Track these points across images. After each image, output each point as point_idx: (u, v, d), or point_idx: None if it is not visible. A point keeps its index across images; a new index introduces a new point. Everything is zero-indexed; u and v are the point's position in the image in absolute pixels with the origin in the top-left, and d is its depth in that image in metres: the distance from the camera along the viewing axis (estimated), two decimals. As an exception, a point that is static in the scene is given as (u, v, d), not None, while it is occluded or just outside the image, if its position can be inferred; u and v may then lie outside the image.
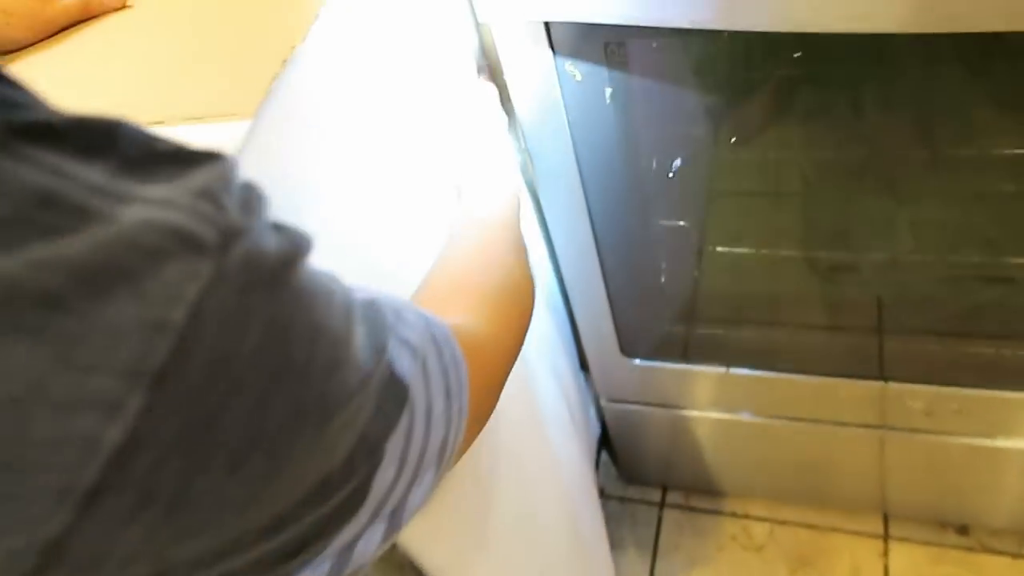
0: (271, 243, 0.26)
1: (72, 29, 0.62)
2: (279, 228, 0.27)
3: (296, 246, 0.28)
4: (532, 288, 0.55)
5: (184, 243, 0.22)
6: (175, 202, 0.23)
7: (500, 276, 0.53)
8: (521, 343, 0.51)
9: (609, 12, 0.61)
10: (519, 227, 0.62)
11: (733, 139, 0.73)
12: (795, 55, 0.64)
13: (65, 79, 0.56)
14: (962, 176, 0.86)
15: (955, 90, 0.74)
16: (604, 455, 1.31)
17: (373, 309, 0.34)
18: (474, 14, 0.65)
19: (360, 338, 0.31)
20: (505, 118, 0.76)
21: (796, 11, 0.54)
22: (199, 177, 0.24)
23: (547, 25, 0.66)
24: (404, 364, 0.34)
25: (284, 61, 0.51)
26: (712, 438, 1.11)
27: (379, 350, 0.33)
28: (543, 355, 0.95)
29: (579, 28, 0.65)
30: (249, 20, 0.58)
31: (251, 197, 0.27)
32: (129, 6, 0.65)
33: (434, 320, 0.40)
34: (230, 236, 0.24)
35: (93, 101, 0.51)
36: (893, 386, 0.90)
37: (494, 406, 0.47)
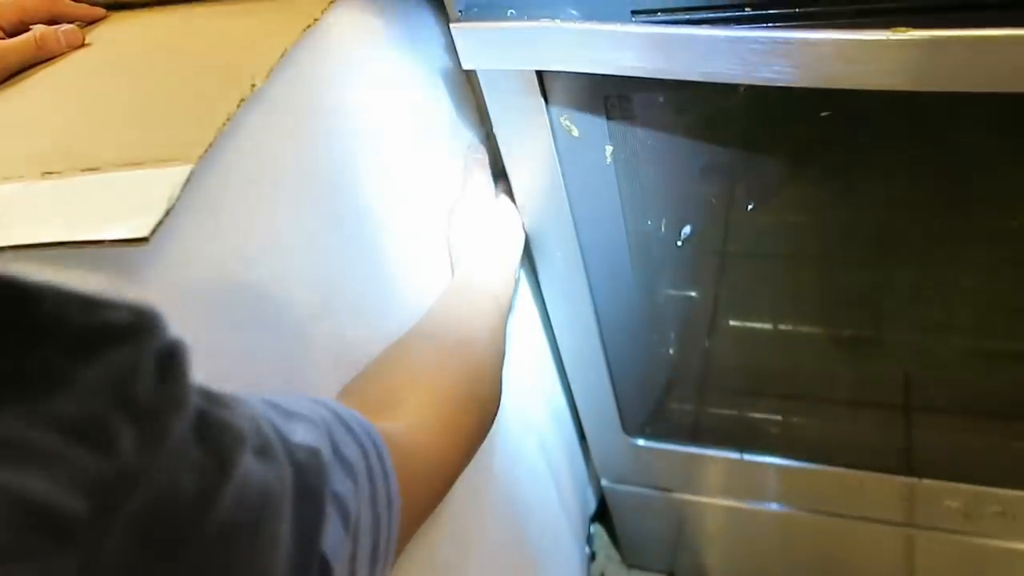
0: (187, 469, 0.19)
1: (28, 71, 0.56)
2: (210, 418, 0.20)
3: (229, 450, 0.20)
4: (497, 403, 0.51)
5: (39, 530, 0.15)
6: (37, 450, 0.15)
7: (468, 383, 0.47)
8: (470, 459, 0.45)
9: (610, 62, 0.53)
10: (504, 321, 0.58)
11: (750, 205, 0.65)
12: (822, 114, 0.56)
13: (6, 121, 0.50)
14: (999, 243, 0.77)
15: (994, 153, 0.65)
16: (604, 536, 1.20)
17: (311, 476, 0.29)
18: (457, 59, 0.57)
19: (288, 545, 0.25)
20: (490, 183, 0.69)
21: (827, 65, 0.46)
22: (91, 381, 0.17)
23: (539, 74, 0.58)
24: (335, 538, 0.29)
25: (241, 100, 0.43)
26: (723, 526, 1.01)
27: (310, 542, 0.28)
28: (530, 429, 0.85)
29: (576, 79, 0.58)
30: (213, 57, 0.52)
31: (173, 379, 0.20)
32: (87, 44, 0.59)
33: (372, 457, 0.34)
34: (116, 492, 0.17)
35: (32, 145, 0.45)
36: (926, 483, 0.80)
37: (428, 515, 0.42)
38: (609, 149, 0.62)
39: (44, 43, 0.55)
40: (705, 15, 0.51)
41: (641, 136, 0.62)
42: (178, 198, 0.37)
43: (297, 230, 0.46)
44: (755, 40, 0.47)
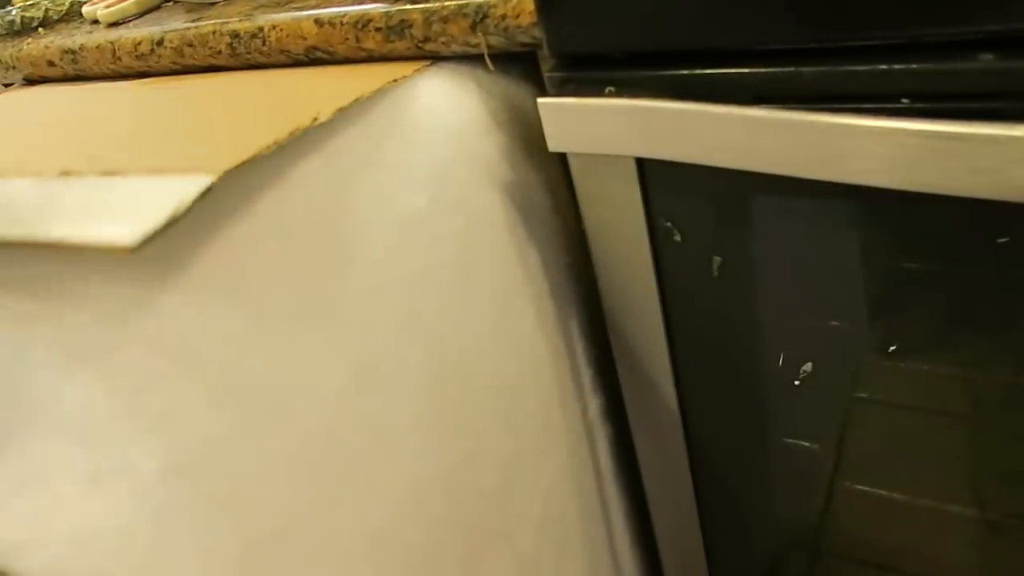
0: None
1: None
2: None
3: None
4: None
5: None
6: None
7: None
8: None
9: (729, 152, 0.44)
10: None
11: (892, 347, 0.52)
12: (999, 240, 0.43)
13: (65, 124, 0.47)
14: None
15: None
16: None
17: None
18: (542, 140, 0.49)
19: None
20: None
21: (1016, 171, 0.35)
22: None
23: (639, 163, 0.49)
24: None
25: (296, 129, 0.39)
26: None
27: None
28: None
29: (683, 171, 0.48)
30: (284, 98, 0.50)
31: None
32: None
33: None
34: None
35: (67, 147, 0.42)
36: None
37: None
38: (717, 260, 0.52)
39: None
40: (849, 104, 0.41)
41: (759, 248, 0.51)
42: (188, 210, 0.31)
43: (339, 294, 0.38)
44: (919, 134, 0.36)
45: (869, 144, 0.38)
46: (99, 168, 0.37)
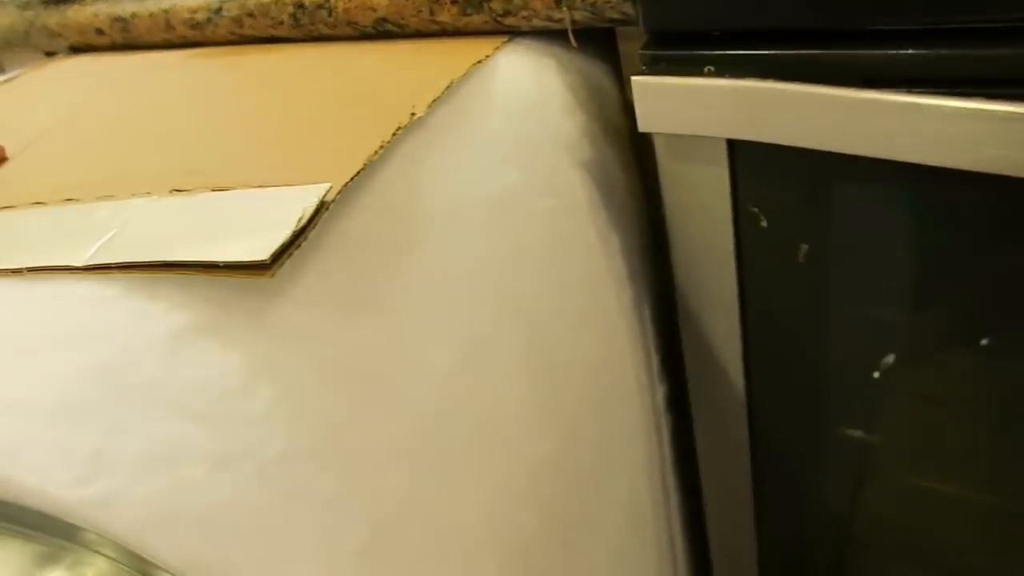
0: None
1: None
2: None
3: None
4: None
5: None
6: None
7: None
8: None
9: (833, 136, 0.42)
10: None
11: (984, 340, 0.51)
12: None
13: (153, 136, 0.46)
14: None
15: None
16: None
17: None
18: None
19: None
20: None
21: None
22: None
23: (731, 145, 0.48)
24: None
25: (399, 128, 0.39)
26: None
27: None
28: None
29: (776, 155, 0.46)
30: (371, 86, 0.48)
31: None
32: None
33: None
34: None
35: (167, 162, 0.42)
36: None
37: None
38: (804, 248, 0.50)
39: None
40: (968, 89, 0.39)
41: (849, 237, 0.49)
42: (310, 222, 0.31)
43: (442, 275, 0.37)
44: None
45: (996, 130, 0.37)
46: (208, 184, 0.36)
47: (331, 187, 0.33)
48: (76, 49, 0.81)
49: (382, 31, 0.58)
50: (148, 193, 0.37)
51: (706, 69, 0.44)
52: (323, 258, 0.33)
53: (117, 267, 0.31)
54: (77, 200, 0.37)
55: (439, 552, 0.30)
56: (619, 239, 0.51)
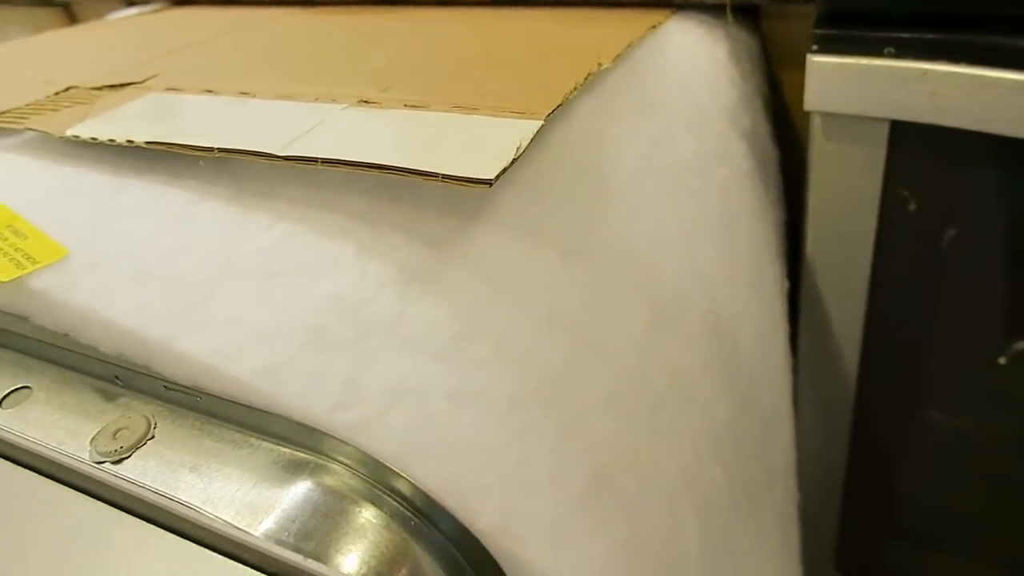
0: None
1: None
2: None
3: None
4: None
5: None
6: None
7: None
8: None
9: (1010, 120, 0.43)
10: None
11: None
12: None
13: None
14: None
15: None
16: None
17: None
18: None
19: None
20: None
21: None
22: None
23: (893, 126, 0.49)
24: None
25: (589, 74, 0.41)
26: None
27: None
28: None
29: (941, 140, 0.48)
30: (558, 41, 0.50)
31: None
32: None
33: None
34: None
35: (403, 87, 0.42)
36: None
37: None
38: (950, 233, 0.51)
39: None
40: None
41: (1001, 223, 0.50)
42: (523, 151, 0.33)
43: (632, 235, 0.38)
44: None
45: None
46: (444, 103, 0.38)
47: (540, 122, 0.34)
48: (178, 2, 0.81)
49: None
50: (336, 101, 0.38)
51: (886, 51, 0.45)
52: (534, 209, 0.34)
53: (322, 163, 0.32)
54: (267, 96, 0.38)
55: (646, 498, 0.31)
56: (773, 213, 0.52)
